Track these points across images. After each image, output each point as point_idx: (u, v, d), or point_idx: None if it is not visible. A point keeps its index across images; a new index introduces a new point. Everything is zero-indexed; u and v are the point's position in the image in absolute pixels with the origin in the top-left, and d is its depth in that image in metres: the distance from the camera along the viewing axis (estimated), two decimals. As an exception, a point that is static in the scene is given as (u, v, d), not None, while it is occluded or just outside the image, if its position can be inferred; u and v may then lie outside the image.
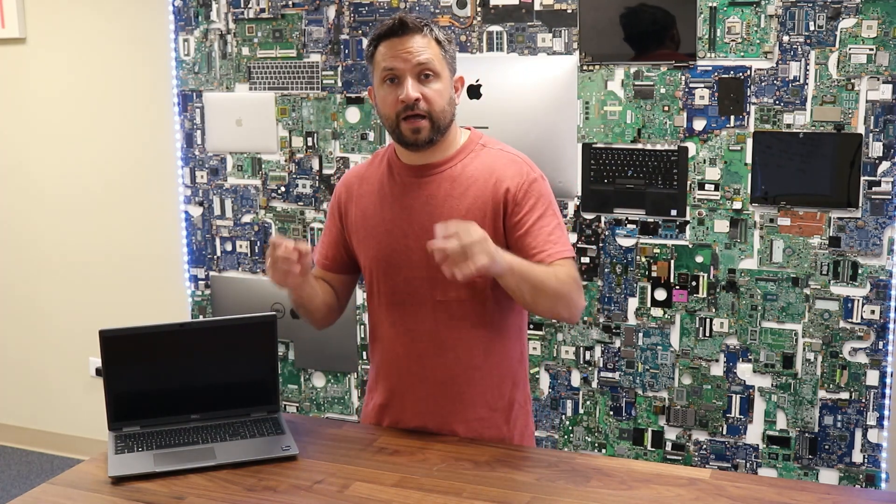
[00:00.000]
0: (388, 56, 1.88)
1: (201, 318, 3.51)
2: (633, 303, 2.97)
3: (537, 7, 2.93)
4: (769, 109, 2.74)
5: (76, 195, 3.80)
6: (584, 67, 2.90)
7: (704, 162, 2.82)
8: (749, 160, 2.77)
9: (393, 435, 2.01)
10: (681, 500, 1.71)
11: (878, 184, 2.66)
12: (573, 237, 2.98)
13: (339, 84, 3.23)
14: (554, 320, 3.02)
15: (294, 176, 3.35)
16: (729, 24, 2.73)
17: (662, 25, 2.80)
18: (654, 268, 2.93)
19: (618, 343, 3.00)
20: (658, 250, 2.91)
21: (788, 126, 2.72)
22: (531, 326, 3.03)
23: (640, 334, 2.97)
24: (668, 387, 2.96)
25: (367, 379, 2.98)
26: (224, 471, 1.84)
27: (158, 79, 3.53)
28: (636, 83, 2.86)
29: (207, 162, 3.47)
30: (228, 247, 3.49)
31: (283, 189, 3.37)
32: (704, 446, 2.95)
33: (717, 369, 2.90)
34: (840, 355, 2.76)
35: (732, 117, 2.77)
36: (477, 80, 3.00)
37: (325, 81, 3.25)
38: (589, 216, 2.98)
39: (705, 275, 2.87)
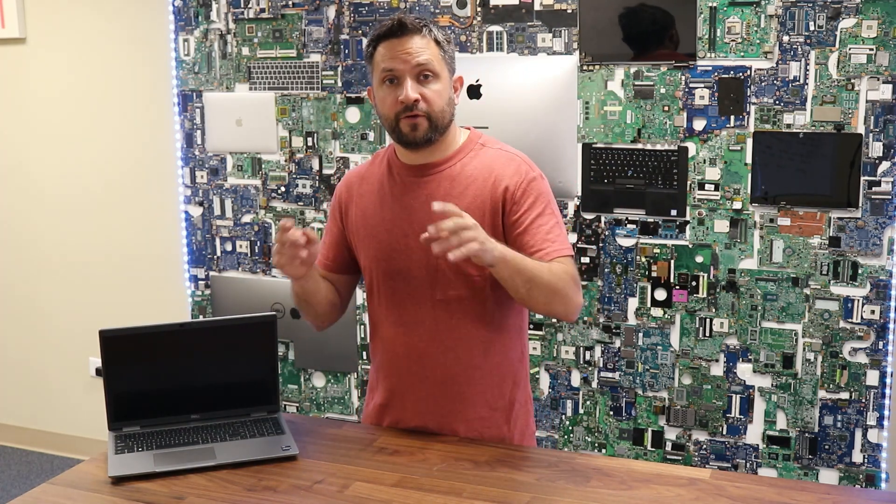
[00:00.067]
0: (388, 57, 1.89)
1: (201, 318, 3.51)
2: (633, 303, 2.97)
3: (537, 7, 2.93)
4: (769, 109, 2.74)
5: (76, 195, 3.80)
6: (584, 67, 2.90)
7: (704, 162, 2.82)
8: (749, 160, 2.77)
9: (393, 435, 2.01)
10: (681, 500, 1.71)
11: (878, 184, 2.66)
12: (573, 237, 2.98)
13: (339, 84, 3.23)
14: (554, 319, 3.02)
15: (294, 176, 3.35)
16: (729, 24, 2.73)
17: (662, 25, 2.80)
18: (654, 268, 2.93)
19: (618, 343, 3.00)
20: (658, 250, 2.91)
21: (788, 126, 2.72)
22: (531, 326, 3.03)
23: (640, 334, 2.97)
24: (668, 387, 2.96)
25: (367, 379, 2.99)
26: (224, 471, 1.84)
27: (158, 79, 3.53)
28: (636, 83, 2.86)
29: (207, 162, 3.47)
30: (228, 247, 3.49)
31: (283, 189, 3.37)
32: (704, 446, 2.95)
33: (717, 369, 2.90)
34: (840, 355, 2.76)
35: (732, 117, 2.77)
36: (477, 80, 3.00)
37: (325, 81, 3.25)
38: (589, 216, 2.98)
39: (705, 275, 2.87)
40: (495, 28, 2.99)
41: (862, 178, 2.67)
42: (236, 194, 3.44)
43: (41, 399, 4.05)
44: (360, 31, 3.17)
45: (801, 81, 2.69)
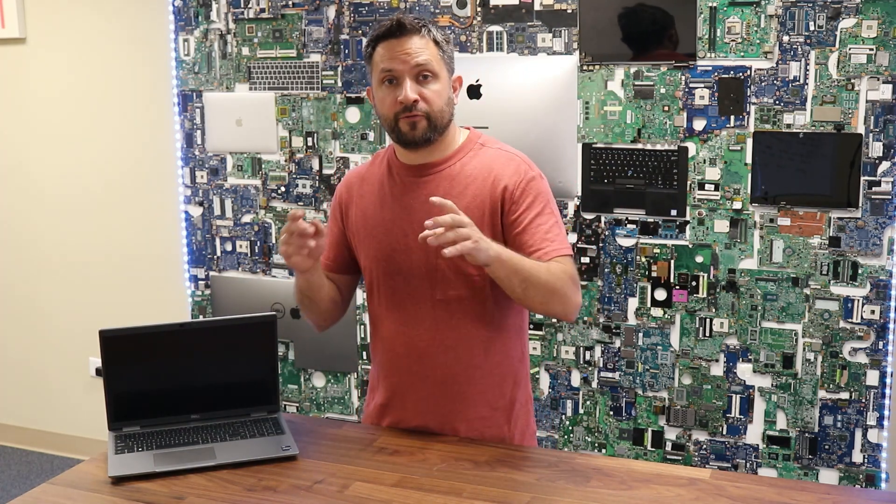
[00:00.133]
0: (387, 57, 1.89)
1: (201, 318, 3.51)
2: (633, 303, 2.97)
3: (537, 7, 2.93)
4: (769, 109, 2.73)
5: (76, 195, 3.80)
6: (584, 67, 2.90)
7: (704, 162, 2.82)
8: (749, 160, 2.77)
9: (393, 435, 2.01)
10: (681, 500, 1.71)
11: (878, 184, 2.66)
12: (573, 237, 2.98)
13: (339, 84, 3.23)
14: (553, 319, 3.02)
15: (294, 176, 3.35)
16: (729, 24, 2.73)
17: (662, 25, 2.80)
18: (654, 268, 2.93)
19: (618, 343, 3.00)
20: (658, 250, 2.91)
21: (788, 126, 2.72)
22: (531, 326, 3.03)
23: (640, 334, 2.97)
24: (668, 387, 2.96)
25: (367, 379, 2.99)
26: (224, 471, 1.84)
27: (158, 79, 3.53)
28: (636, 83, 2.86)
29: (207, 162, 3.47)
30: (228, 247, 3.49)
31: (283, 189, 3.37)
32: (704, 446, 2.95)
33: (717, 369, 2.90)
34: (840, 355, 2.76)
35: (732, 117, 2.77)
36: (477, 80, 3.00)
37: (325, 81, 3.25)
38: (589, 216, 2.98)
39: (705, 275, 2.87)
40: (495, 28, 2.99)
41: (862, 178, 2.67)
42: (236, 194, 3.44)
43: (41, 399, 4.05)
44: (360, 31, 3.17)
45: (801, 81, 2.69)
